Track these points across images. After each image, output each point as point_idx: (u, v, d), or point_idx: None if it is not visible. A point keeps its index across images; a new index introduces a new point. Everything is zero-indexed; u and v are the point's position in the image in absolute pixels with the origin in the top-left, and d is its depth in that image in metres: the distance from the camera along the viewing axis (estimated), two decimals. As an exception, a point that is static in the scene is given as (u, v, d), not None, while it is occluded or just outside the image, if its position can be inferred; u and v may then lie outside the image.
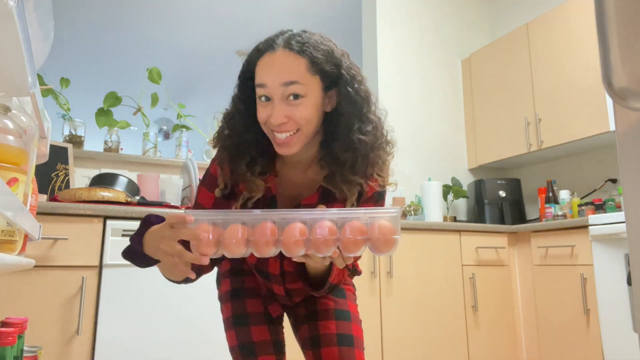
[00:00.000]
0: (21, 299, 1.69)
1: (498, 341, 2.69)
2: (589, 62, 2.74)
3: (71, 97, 2.65)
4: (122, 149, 2.69)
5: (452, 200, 3.35)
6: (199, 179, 2.33)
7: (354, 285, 1.23)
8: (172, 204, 2.19)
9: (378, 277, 2.42)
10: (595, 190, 2.98)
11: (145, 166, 2.64)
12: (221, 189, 1.00)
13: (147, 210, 1.92)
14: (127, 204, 2.01)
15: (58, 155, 2.26)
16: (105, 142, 2.63)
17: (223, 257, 1.14)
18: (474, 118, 3.52)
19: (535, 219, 3.26)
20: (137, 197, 2.11)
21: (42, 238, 1.72)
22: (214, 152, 1.04)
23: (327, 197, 0.99)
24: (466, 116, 3.60)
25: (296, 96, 0.89)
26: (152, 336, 1.85)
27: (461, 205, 3.46)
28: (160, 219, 0.87)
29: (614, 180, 2.91)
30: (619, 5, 0.47)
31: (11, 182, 0.65)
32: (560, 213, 2.86)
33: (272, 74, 0.90)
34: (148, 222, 0.88)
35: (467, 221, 3.39)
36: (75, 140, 2.53)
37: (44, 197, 2.02)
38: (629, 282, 2.11)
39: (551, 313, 2.60)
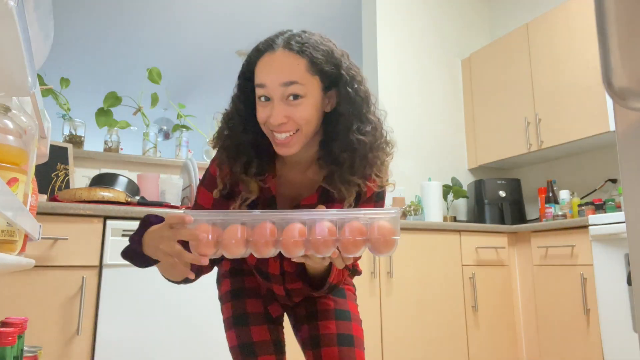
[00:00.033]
0: (21, 299, 1.69)
1: (498, 341, 2.69)
2: (589, 62, 2.74)
3: (71, 97, 2.65)
4: (122, 149, 2.69)
5: (452, 200, 3.35)
6: (199, 179, 2.33)
7: (354, 285, 1.23)
8: (172, 204, 2.19)
9: (378, 277, 2.42)
10: (595, 190, 2.98)
11: (145, 166, 2.64)
12: (220, 189, 1.00)
13: (147, 210, 1.92)
14: (127, 204, 2.01)
15: (58, 155, 2.26)
16: (105, 142, 2.63)
17: (222, 258, 1.14)
18: (474, 118, 3.52)
19: (535, 219, 3.26)
20: (137, 197, 2.11)
21: (42, 238, 1.72)
22: (214, 152, 1.04)
23: (327, 198, 0.99)
24: (466, 116, 3.60)
25: (296, 96, 0.89)
26: (152, 336, 1.85)
27: (461, 205, 3.46)
28: (159, 219, 0.87)
29: (614, 180, 2.91)
30: (619, 5, 0.47)
31: (11, 182, 0.65)
32: (560, 213, 2.86)
33: (271, 74, 0.89)
34: (147, 222, 0.88)
35: (467, 221, 3.39)
36: (75, 140, 2.53)
37: (44, 197, 2.02)
38: (629, 282, 2.11)
39: (551, 313, 2.60)
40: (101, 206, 1.85)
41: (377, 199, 1.03)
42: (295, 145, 0.93)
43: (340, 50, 0.96)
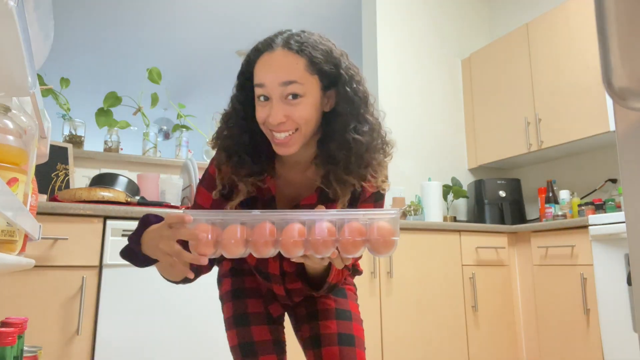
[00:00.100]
0: (21, 299, 1.69)
1: (498, 341, 2.69)
2: (589, 62, 2.74)
3: (71, 97, 2.65)
4: (122, 149, 2.69)
5: (452, 200, 3.35)
6: (199, 179, 2.33)
7: (355, 285, 1.23)
8: (172, 204, 2.19)
9: (378, 277, 2.42)
10: (595, 190, 2.98)
11: (145, 166, 2.64)
12: (219, 190, 1.00)
13: (147, 210, 1.92)
14: (127, 204, 2.01)
15: (58, 155, 2.26)
16: (105, 142, 2.63)
17: (222, 258, 1.13)
18: (474, 118, 3.52)
19: (535, 219, 3.26)
20: (137, 197, 2.11)
21: (42, 238, 1.72)
22: (213, 152, 1.04)
23: (326, 198, 0.99)
24: (466, 116, 3.60)
25: (295, 96, 0.89)
26: (152, 336, 1.85)
27: (461, 205, 3.46)
28: (158, 219, 0.87)
29: (614, 180, 2.91)
30: (619, 5, 0.47)
31: (11, 182, 0.65)
32: (560, 213, 2.86)
33: (270, 74, 0.89)
34: (146, 221, 0.88)
35: (467, 221, 3.39)
36: (75, 140, 2.53)
37: (44, 197, 2.02)
38: (629, 282, 2.11)
39: (551, 313, 2.60)
40: (101, 206, 1.85)
41: (376, 200, 1.03)
42: (295, 145, 0.92)
43: (339, 50, 0.96)
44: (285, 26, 0.98)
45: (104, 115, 2.58)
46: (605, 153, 3.01)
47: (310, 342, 1.08)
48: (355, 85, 0.94)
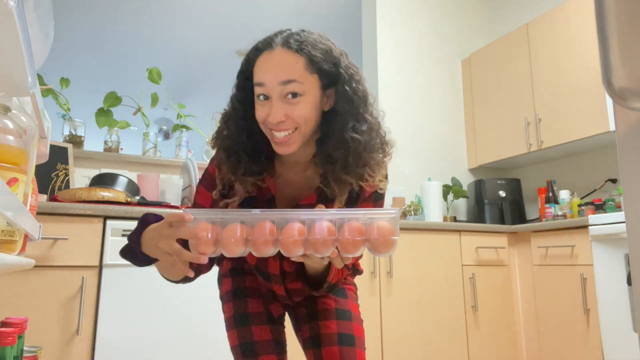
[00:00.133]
0: (21, 299, 1.69)
1: (498, 341, 2.69)
2: (589, 62, 2.74)
3: (71, 97, 2.65)
4: (122, 149, 2.69)
5: (452, 200, 3.35)
6: (199, 179, 2.33)
7: (355, 285, 1.23)
8: (172, 204, 2.19)
9: (378, 277, 2.42)
10: (595, 190, 2.98)
11: (145, 166, 2.64)
12: (219, 189, 1.00)
13: (147, 210, 1.92)
14: (127, 204, 2.01)
15: (58, 155, 2.26)
16: (105, 142, 2.63)
17: (222, 257, 1.13)
18: (474, 118, 3.52)
19: (535, 219, 3.26)
20: (137, 197, 2.11)
21: (42, 238, 1.72)
22: (213, 152, 1.04)
23: (326, 198, 0.99)
24: (466, 116, 3.60)
25: (294, 95, 0.89)
26: (152, 336, 1.85)
27: (461, 205, 3.46)
28: (158, 218, 0.87)
29: (614, 180, 2.91)
30: (619, 5, 0.47)
31: (11, 182, 0.65)
32: (560, 213, 2.86)
33: (270, 73, 0.89)
34: (146, 221, 0.88)
35: (467, 221, 3.39)
36: (75, 140, 2.53)
37: (44, 197, 2.02)
38: (629, 282, 2.11)
39: (551, 313, 2.60)
40: (101, 206, 1.85)
41: (375, 199, 1.03)
42: (294, 144, 0.92)
43: (339, 49, 0.96)
44: (285, 26, 0.98)
45: (104, 115, 2.58)
46: (605, 153, 3.01)
47: (310, 342, 1.08)
48: (354, 85, 0.94)
